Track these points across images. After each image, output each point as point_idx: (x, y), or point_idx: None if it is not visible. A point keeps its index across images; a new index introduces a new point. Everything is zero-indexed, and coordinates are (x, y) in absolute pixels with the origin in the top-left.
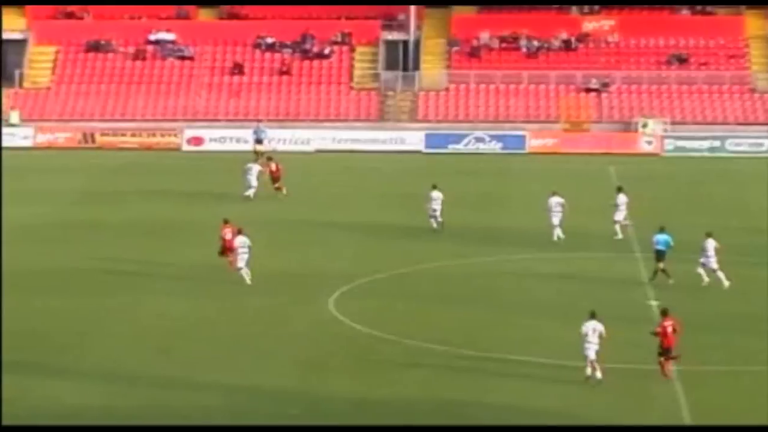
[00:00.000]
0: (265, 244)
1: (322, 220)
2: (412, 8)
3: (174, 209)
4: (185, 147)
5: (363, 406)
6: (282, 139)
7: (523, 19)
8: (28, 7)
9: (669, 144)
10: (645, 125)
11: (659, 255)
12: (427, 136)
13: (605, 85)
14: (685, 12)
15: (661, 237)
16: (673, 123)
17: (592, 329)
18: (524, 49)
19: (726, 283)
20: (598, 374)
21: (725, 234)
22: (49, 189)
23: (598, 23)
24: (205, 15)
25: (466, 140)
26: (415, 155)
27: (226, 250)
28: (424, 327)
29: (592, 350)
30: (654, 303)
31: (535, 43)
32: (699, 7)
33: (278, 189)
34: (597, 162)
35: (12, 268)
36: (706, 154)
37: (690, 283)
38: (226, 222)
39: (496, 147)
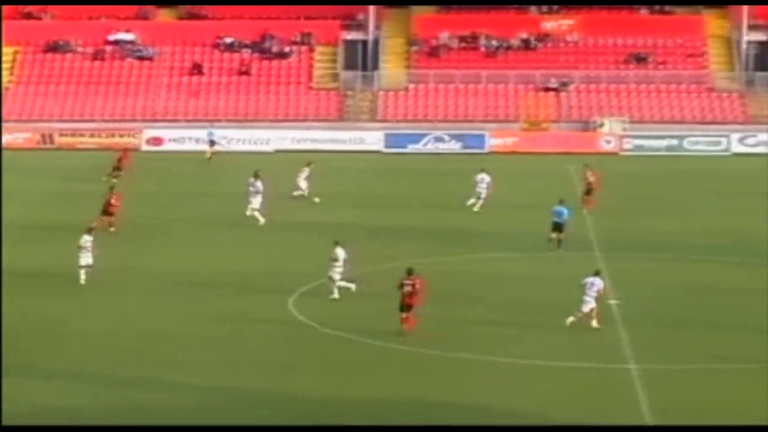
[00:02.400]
0: (229, 244)
1: (282, 221)
2: (372, 8)
3: (135, 209)
4: (145, 147)
5: (330, 405)
6: (241, 139)
7: (482, 19)
8: None
9: (628, 143)
10: (603, 125)
11: (556, 226)
12: (387, 136)
13: (564, 84)
14: (644, 11)
15: (559, 209)
16: (632, 122)
17: (591, 282)
18: (484, 49)
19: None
20: (594, 323)
21: (683, 234)
22: (9, 190)
23: (557, 23)
24: (164, 15)
25: (425, 140)
26: (375, 155)
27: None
28: (387, 327)
29: (587, 306)
30: (614, 302)
31: (495, 42)
32: (658, 7)
33: None
34: (556, 161)
35: None
36: (665, 153)
37: (651, 282)
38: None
39: (455, 146)
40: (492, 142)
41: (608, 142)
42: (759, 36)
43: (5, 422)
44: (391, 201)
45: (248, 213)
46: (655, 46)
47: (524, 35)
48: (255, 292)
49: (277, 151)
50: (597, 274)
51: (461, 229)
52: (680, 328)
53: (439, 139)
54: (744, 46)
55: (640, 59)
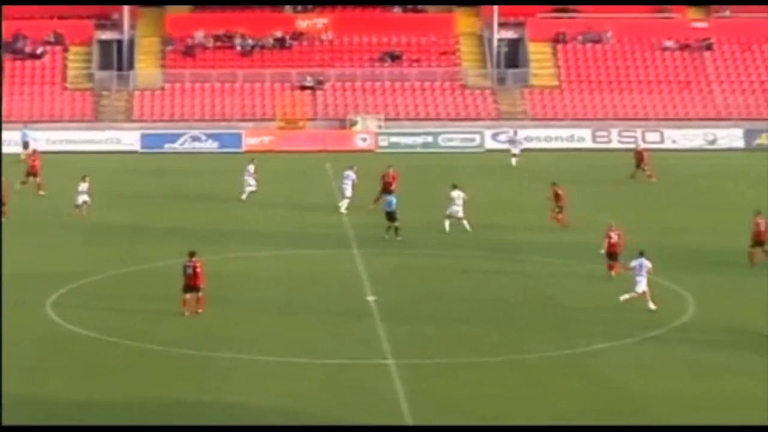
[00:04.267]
0: None
1: (38, 221)
2: (126, 8)
3: None
4: None
5: (86, 408)
6: None
7: (237, 18)
8: None
9: (383, 140)
10: (358, 122)
11: (389, 216)
12: (143, 136)
13: (320, 82)
14: (397, 10)
15: (389, 199)
16: (387, 119)
17: (639, 264)
18: (239, 48)
19: (469, 228)
20: (651, 305)
21: (438, 229)
22: None
23: (311, 21)
24: None
25: (182, 139)
26: (132, 155)
27: None
28: (145, 328)
29: (641, 284)
30: (372, 299)
31: (250, 41)
32: (410, 6)
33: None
34: (313, 159)
35: None
36: (420, 149)
37: (408, 277)
38: None
39: (212, 146)
40: (249, 141)
41: (364, 139)
42: (509, 34)
43: (5, 422)
44: (150, 201)
45: None
46: (408, 44)
47: (279, 34)
48: (11, 296)
49: (33, 152)
50: (642, 254)
51: (219, 228)
52: (436, 322)
53: (195, 139)
54: (495, 43)
55: (393, 57)
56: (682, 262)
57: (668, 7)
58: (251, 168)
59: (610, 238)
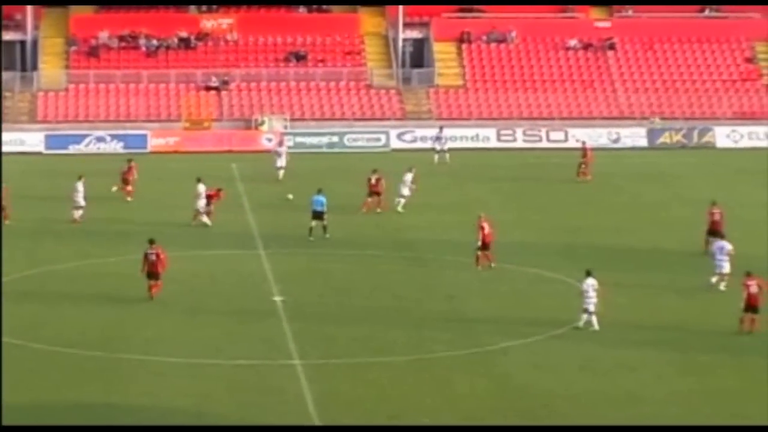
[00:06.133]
0: None
1: None
2: (30, 8)
3: None
4: None
5: None
6: None
7: (141, 18)
8: None
9: (289, 140)
10: (264, 122)
11: (316, 215)
12: (47, 137)
13: (225, 83)
14: (302, 10)
15: (318, 198)
16: (293, 119)
17: (720, 247)
18: (144, 49)
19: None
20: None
21: (342, 229)
22: None
23: (216, 22)
24: None
25: (87, 140)
26: (36, 157)
27: None
28: (51, 330)
29: (724, 268)
30: (278, 299)
31: (155, 42)
32: (315, 6)
33: None
34: (220, 160)
35: None
36: (326, 149)
37: (313, 277)
38: None
39: (117, 147)
40: (154, 142)
41: (269, 140)
42: (414, 34)
43: (5, 422)
44: (54, 203)
45: None
46: (313, 44)
47: (184, 34)
48: None
49: None
50: (723, 237)
51: (122, 230)
52: (343, 322)
53: (101, 140)
54: (400, 43)
55: (299, 57)
56: (585, 261)
57: (572, 7)
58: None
59: (482, 229)
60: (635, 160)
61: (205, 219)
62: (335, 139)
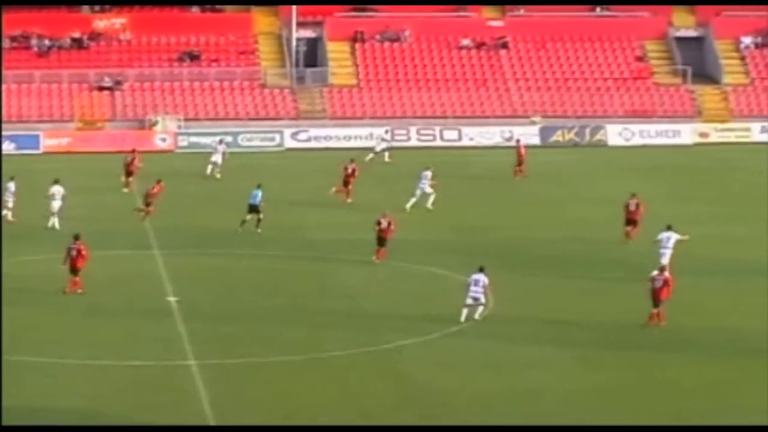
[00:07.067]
0: None
1: None
2: None
3: None
4: None
5: None
6: None
7: (33, 18)
8: None
9: (183, 140)
10: (158, 123)
11: (252, 208)
12: None
13: (118, 83)
14: (195, 10)
15: (255, 192)
16: (187, 119)
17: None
18: (36, 49)
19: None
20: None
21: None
22: None
23: (109, 21)
24: None
25: None
26: None
27: None
28: None
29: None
30: (173, 299)
31: (47, 42)
32: (208, 6)
33: None
34: (112, 160)
35: None
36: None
37: (208, 278)
38: None
39: (9, 147)
40: (46, 143)
41: (163, 140)
42: (308, 33)
43: (5, 422)
44: None
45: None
46: (207, 44)
47: (76, 34)
48: None
49: None
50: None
51: (13, 231)
52: (238, 322)
53: None
54: (294, 43)
55: (192, 57)
56: (481, 258)
57: (465, 6)
58: (11, 186)
59: (379, 224)
60: (528, 159)
61: (55, 221)
62: (229, 139)
